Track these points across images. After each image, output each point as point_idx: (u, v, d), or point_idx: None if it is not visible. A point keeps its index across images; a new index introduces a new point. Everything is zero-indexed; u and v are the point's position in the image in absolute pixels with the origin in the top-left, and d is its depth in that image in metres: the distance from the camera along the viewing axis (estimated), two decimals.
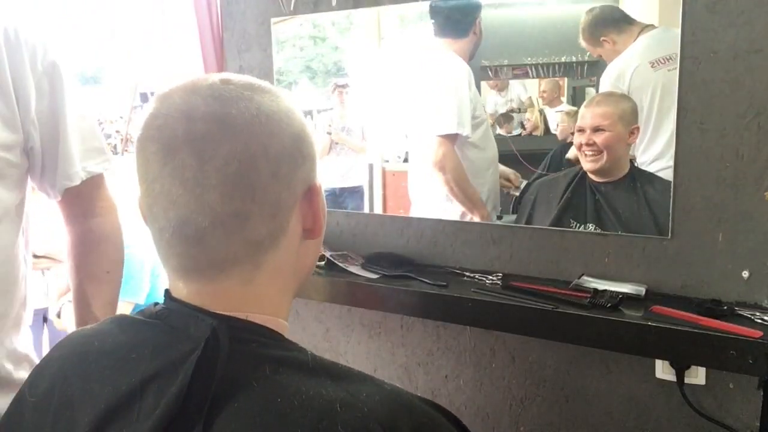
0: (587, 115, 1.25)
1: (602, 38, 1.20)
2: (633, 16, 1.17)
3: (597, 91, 1.26)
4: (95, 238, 1.13)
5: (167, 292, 0.59)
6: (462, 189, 1.40)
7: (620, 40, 1.18)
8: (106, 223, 1.15)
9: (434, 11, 1.37)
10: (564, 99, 1.33)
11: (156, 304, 0.60)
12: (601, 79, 1.23)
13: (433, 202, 1.47)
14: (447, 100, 1.40)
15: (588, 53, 1.25)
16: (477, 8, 1.34)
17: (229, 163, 0.52)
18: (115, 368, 0.56)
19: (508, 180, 1.38)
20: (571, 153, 1.31)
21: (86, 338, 0.62)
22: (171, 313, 0.57)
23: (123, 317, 0.63)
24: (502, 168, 1.39)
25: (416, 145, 1.51)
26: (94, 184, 1.11)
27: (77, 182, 1.07)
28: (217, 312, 0.55)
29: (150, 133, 0.54)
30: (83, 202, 1.12)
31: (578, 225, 1.28)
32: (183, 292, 0.57)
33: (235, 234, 0.53)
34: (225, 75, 0.57)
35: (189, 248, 0.54)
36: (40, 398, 0.60)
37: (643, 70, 1.16)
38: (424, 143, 1.45)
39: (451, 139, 1.39)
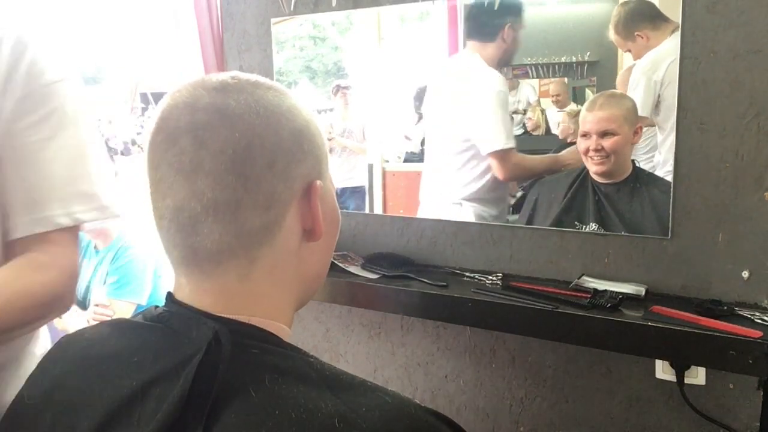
0: (591, 119, 1.23)
1: (636, 33, 1.18)
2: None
3: (596, 91, 1.25)
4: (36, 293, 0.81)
5: (169, 294, 0.60)
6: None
7: (654, 36, 1.17)
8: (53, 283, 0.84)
9: (468, 11, 1.36)
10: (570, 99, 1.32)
11: (156, 307, 0.60)
12: (633, 69, 1.21)
13: (443, 205, 1.47)
14: (494, 116, 1.39)
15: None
16: (506, 13, 1.31)
17: (224, 150, 0.53)
18: (115, 372, 0.56)
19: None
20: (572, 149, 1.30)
21: (86, 342, 0.62)
22: (172, 316, 0.57)
23: (121, 321, 0.63)
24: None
25: (437, 150, 1.50)
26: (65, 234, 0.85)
27: (50, 228, 0.82)
28: (219, 315, 0.55)
29: (158, 125, 0.56)
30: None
31: (581, 226, 1.28)
32: (185, 290, 0.57)
33: (227, 223, 0.54)
34: (236, 72, 0.59)
35: (185, 237, 0.55)
36: (38, 401, 0.59)
37: (677, 65, 1.14)
38: (451, 149, 1.45)
39: (507, 152, 1.39)
